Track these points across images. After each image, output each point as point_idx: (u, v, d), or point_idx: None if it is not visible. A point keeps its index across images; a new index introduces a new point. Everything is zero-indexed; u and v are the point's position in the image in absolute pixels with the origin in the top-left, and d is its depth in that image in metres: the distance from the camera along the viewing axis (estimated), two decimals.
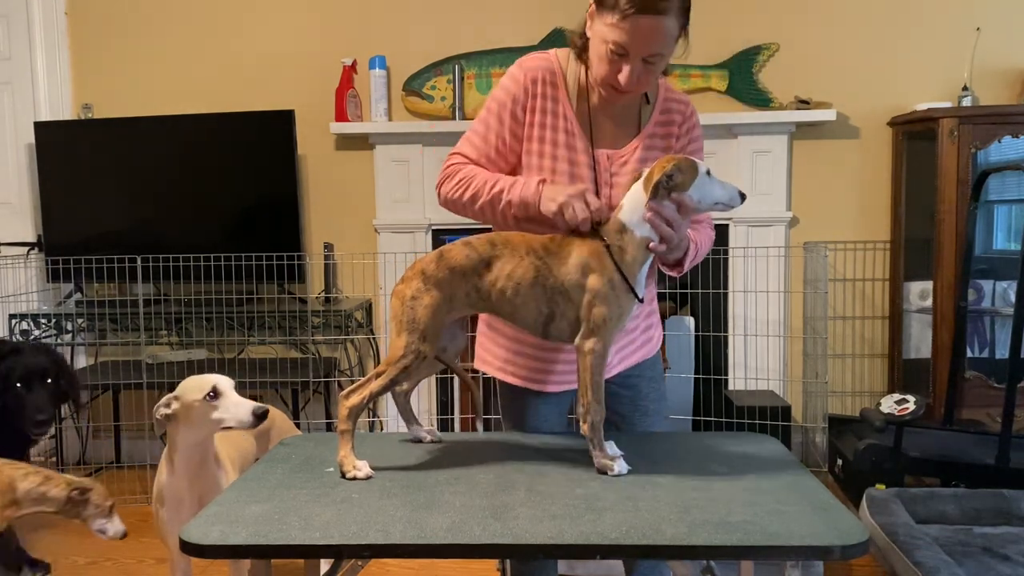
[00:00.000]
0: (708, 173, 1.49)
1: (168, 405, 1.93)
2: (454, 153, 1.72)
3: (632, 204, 1.49)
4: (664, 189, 1.45)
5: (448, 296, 1.49)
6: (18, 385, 2.66)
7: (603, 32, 1.53)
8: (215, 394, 1.91)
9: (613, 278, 1.46)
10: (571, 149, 1.68)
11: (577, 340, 1.48)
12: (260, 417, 1.91)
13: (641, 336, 1.87)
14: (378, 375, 1.47)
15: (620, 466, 1.49)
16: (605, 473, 1.48)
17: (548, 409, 1.85)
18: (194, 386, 1.93)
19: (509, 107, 1.68)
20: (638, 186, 1.50)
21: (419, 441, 1.70)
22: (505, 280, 1.48)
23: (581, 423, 1.51)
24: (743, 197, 1.51)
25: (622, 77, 1.54)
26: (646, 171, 1.50)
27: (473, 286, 1.49)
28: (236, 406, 1.91)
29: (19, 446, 2.75)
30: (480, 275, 1.49)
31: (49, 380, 2.72)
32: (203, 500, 1.98)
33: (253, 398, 1.99)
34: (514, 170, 1.73)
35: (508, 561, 1.95)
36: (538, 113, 1.68)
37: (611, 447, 1.53)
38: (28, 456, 2.82)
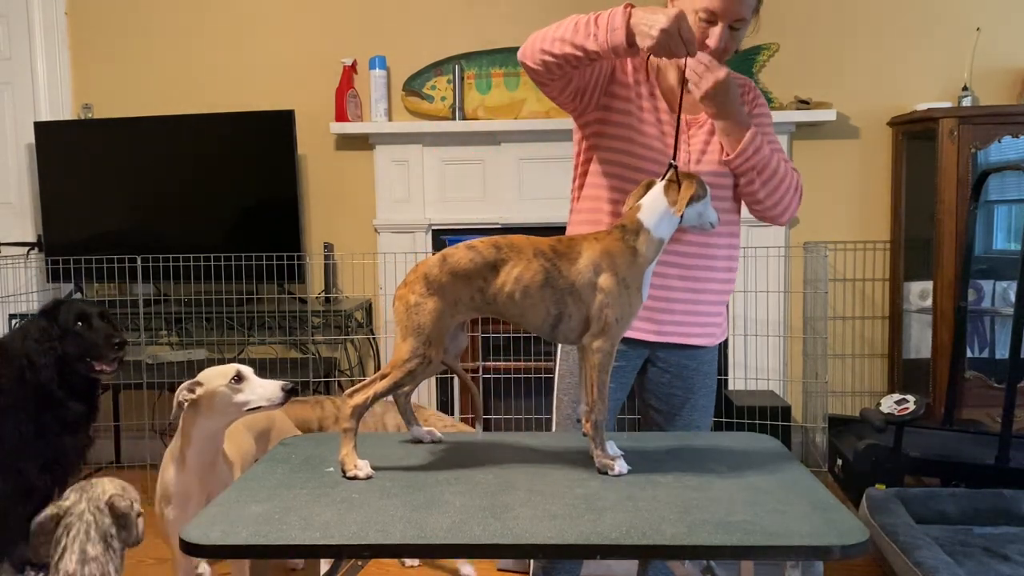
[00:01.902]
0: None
1: (192, 390, 1.94)
2: None
3: (652, 207, 1.51)
4: (695, 201, 1.54)
5: (452, 301, 1.47)
6: (78, 324, 2.70)
7: (693, 3, 1.68)
8: (239, 378, 1.94)
9: (626, 277, 1.46)
10: (656, 111, 1.81)
11: (585, 339, 1.48)
12: (290, 393, 1.96)
13: (711, 317, 1.91)
14: (383, 376, 1.47)
15: (620, 466, 1.49)
16: (605, 473, 1.48)
17: (625, 369, 1.89)
18: (218, 372, 1.96)
19: (617, 64, 1.81)
20: (658, 191, 1.52)
21: (419, 441, 1.70)
22: (513, 284, 1.47)
23: (584, 421, 1.51)
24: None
25: (711, 41, 1.69)
26: (661, 182, 1.53)
27: (478, 290, 1.48)
28: (262, 386, 1.96)
29: (89, 391, 2.78)
30: (486, 279, 1.48)
31: (103, 317, 2.78)
32: (211, 497, 1.99)
33: None
34: (584, 110, 1.82)
35: (532, 561, 1.97)
36: (631, 78, 1.81)
37: (611, 447, 1.53)
38: (98, 400, 2.84)
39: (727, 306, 1.99)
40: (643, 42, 1.49)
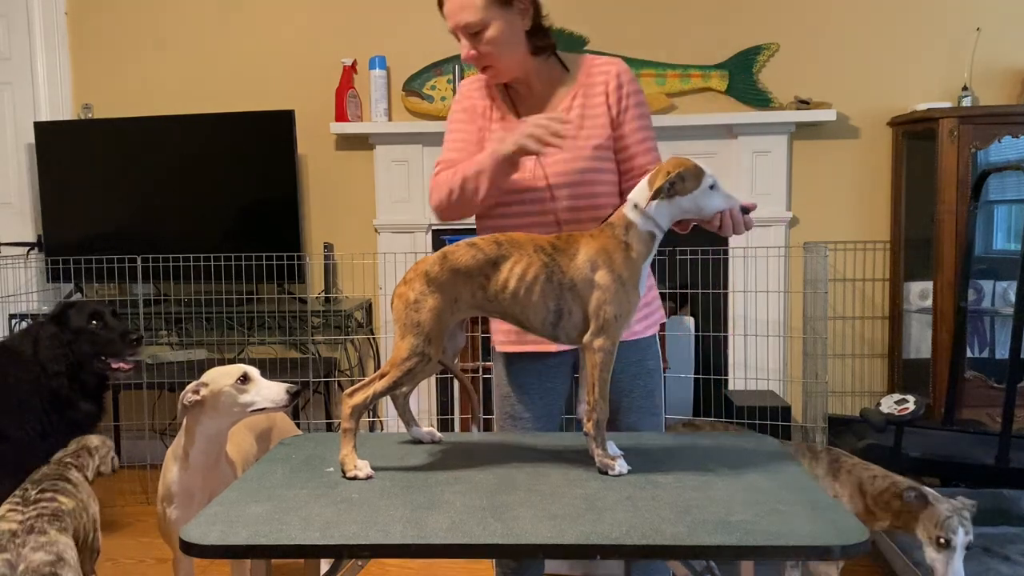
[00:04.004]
0: (713, 186, 1.49)
1: (196, 391, 1.94)
2: (437, 164, 1.87)
3: (636, 200, 1.50)
4: (666, 193, 1.46)
5: (452, 298, 1.48)
6: (92, 323, 2.70)
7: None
8: (245, 379, 1.95)
9: (622, 274, 1.46)
10: (509, 126, 1.85)
11: (586, 338, 1.48)
12: (295, 396, 1.96)
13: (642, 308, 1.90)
14: (382, 376, 1.47)
15: (620, 466, 1.49)
16: (605, 473, 1.48)
17: (554, 371, 1.92)
18: (223, 372, 1.96)
19: (476, 111, 1.90)
20: (643, 183, 1.50)
21: (419, 442, 1.70)
22: (517, 281, 1.47)
23: (585, 420, 1.51)
24: (745, 210, 1.54)
25: (461, 53, 1.79)
26: (654, 170, 1.51)
27: (479, 287, 1.48)
28: (268, 388, 1.97)
29: (98, 391, 2.78)
30: (487, 276, 1.48)
31: (115, 315, 2.80)
32: (214, 497, 1.99)
33: None
34: None
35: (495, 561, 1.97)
36: (487, 111, 1.90)
37: (612, 447, 1.53)
38: (104, 399, 2.84)
39: (654, 298, 1.96)
40: (514, 151, 1.64)
